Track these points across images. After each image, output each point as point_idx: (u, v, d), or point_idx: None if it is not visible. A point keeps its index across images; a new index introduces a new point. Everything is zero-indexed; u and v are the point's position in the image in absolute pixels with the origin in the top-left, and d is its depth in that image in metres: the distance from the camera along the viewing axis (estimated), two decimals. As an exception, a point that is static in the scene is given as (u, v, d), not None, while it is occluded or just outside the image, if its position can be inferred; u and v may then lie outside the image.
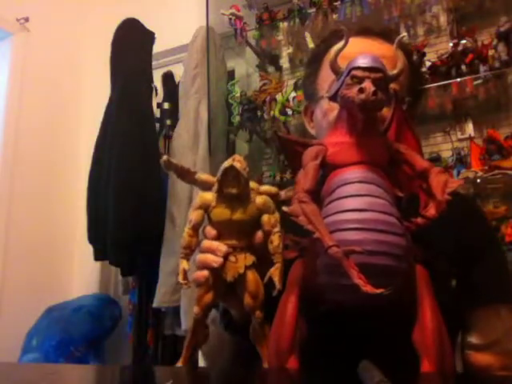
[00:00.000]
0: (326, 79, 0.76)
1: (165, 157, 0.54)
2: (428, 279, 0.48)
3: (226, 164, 0.52)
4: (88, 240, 2.14)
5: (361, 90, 0.45)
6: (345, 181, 0.47)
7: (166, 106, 2.33)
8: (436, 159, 1.81)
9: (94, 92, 2.59)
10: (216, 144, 2.12)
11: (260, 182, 2.14)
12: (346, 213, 0.45)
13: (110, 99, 2.20)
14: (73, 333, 2.13)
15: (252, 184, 0.55)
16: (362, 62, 0.46)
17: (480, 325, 0.73)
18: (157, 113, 2.32)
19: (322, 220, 0.45)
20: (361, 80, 0.46)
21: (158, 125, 2.31)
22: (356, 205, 0.45)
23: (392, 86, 0.49)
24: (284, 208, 0.50)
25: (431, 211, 0.45)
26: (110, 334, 2.30)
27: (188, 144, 2.10)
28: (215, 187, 0.54)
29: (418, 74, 0.88)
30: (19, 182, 2.41)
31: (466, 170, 1.72)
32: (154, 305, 1.98)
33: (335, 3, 1.99)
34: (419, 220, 0.46)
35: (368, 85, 0.45)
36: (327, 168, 0.49)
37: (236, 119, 2.13)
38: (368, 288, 0.40)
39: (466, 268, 0.72)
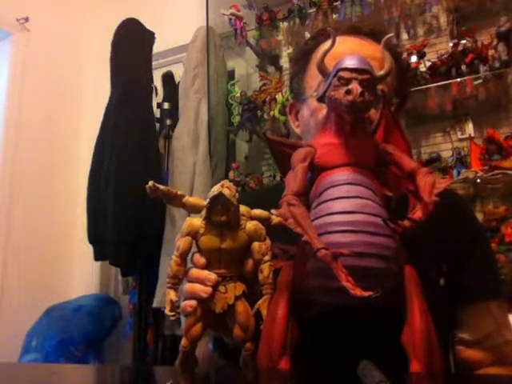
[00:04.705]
0: (314, 77, 0.75)
1: (150, 182, 0.52)
2: (417, 280, 0.48)
3: (215, 191, 0.50)
4: (88, 240, 2.14)
5: (348, 92, 0.45)
6: (333, 183, 0.47)
7: (166, 106, 2.33)
8: (436, 159, 1.81)
9: (94, 92, 2.60)
10: (216, 144, 2.12)
11: (260, 182, 2.12)
12: (334, 215, 0.45)
13: (110, 99, 2.20)
14: (73, 333, 2.13)
15: (242, 208, 0.53)
16: (349, 63, 0.46)
17: (471, 321, 0.73)
18: (157, 113, 2.32)
19: (311, 223, 0.45)
20: (348, 81, 0.45)
21: (158, 125, 2.31)
22: (345, 207, 0.45)
23: (380, 86, 0.49)
24: (273, 211, 0.50)
25: (418, 214, 0.45)
26: (109, 334, 2.30)
27: (188, 144, 2.10)
28: (203, 214, 0.51)
29: (405, 75, 0.87)
30: (19, 181, 2.41)
31: (466, 170, 1.72)
32: (154, 305, 1.98)
33: (335, 3, 1.99)
34: (406, 223, 0.45)
35: (355, 86, 0.44)
36: (316, 170, 0.49)
37: (236, 119, 2.13)
38: (356, 291, 0.40)
39: (456, 265, 0.72)
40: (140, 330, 2.15)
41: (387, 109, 0.53)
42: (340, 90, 0.46)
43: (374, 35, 0.75)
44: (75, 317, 2.19)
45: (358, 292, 0.40)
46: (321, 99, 0.49)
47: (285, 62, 2.25)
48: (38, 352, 2.06)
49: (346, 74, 0.46)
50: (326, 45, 0.50)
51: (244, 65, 2.37)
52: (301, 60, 0.81)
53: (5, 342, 2.08)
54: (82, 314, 2.21)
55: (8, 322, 2.21)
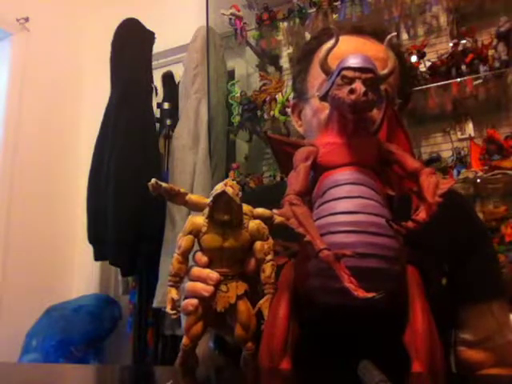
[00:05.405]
0: (316, 77, 0.75)
1: (153, 180, 0.51)
2: (419, 280, 0.48)
3: (218, 189, 0.49)
4: (88, 240, 2.14)
5: (351, 91, 0.44)
6: (336, 182, 0.47)
7: (166, 106, 2.33)
8: (436, 159, 1.81)
9: (94, 92, 2.59)
10: (216, 144, 2.12)
11: (260, 182, 2.12)
12: (337, 215, 0.45)
13: (110, 99, 2.20)
14: (73, 333, 2.13)
15: (245, 207, 0.52)
16: (353, 62, 0.46)
17: (473, 321, 0.73)
18: (157, 113, 2.32)
19: (313, 223, 0.45)
20: (351, 80, 0.45)
21: (158, 125, 2.31)
22: (347, 207, 0.45)
23: (383, 86, 0.49)
24: (274, 210, 0.50)
25: (422, 215, 0.44)
26: (109, 334, 2.30)
27: (188, 144, 2.10)
28: (206, 212, 0.51)
29: (408, 75, 0.87)
30: (19, 182, 2.41)
31: (466, 170, 1.72)
32: (154, 305, 1.98)
33: (335, 3, 1.99)
34: (410, 224, 0.44)
35: (358, 85, 0.44)
36: (318, 169, 0.49)
37: (236, 119, 2.12)
38: (359, 292, 0.40)
39: (458, 265, 0.72)
40: (140, 329, 2.15)
41: (390, 108, 0.53)
42: (343, 89, 0.45)
43: (377, 35, 0.75)
44: (75, 317, 2.19)
45: (361, 293, 0.40)
46: (323, 98, 0.49)
47: (285, 62, 2.25)
48: (38, 352, 2.06)
49: (350, 73, 0.45)
50: (329, 44, 0.50)
51: (244, 65, 2.36)
52: (303, 60, 0.81)
53: (5, 342, 2.08)
54: (82, 314, 2.21)
55: (8, 322, 2.21)
